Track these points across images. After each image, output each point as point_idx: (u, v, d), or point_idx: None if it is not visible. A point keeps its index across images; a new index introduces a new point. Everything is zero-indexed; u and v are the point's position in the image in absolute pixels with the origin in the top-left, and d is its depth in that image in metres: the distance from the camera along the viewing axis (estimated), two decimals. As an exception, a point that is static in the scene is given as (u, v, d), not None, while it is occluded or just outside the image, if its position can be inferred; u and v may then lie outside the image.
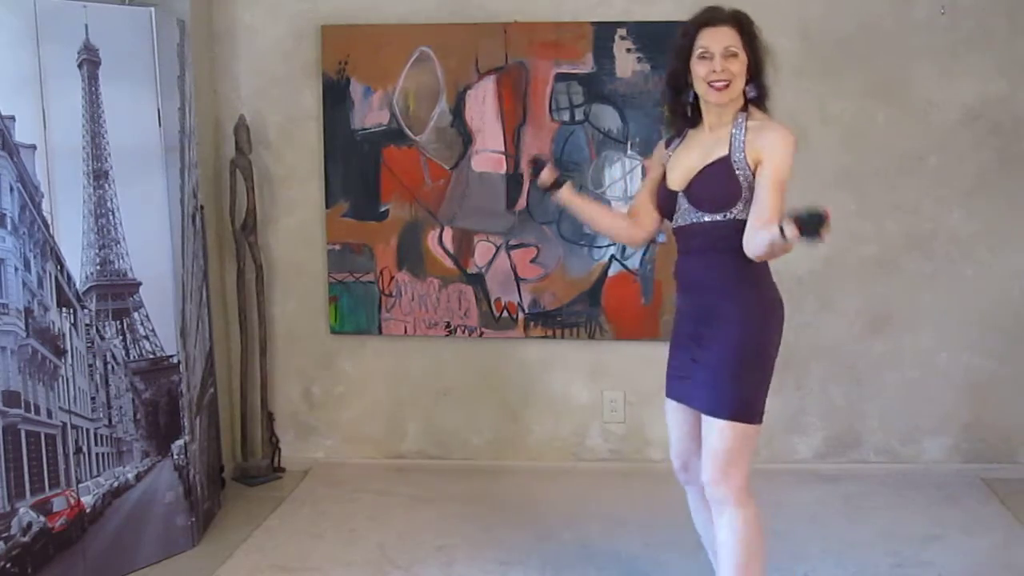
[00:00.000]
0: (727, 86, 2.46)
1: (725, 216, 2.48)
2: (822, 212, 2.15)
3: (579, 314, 4.11)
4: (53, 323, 3.00)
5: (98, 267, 3.17)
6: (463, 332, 4.17)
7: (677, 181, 2.58)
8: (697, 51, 2.48)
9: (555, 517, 3.69)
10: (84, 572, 3.09)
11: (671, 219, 2.64)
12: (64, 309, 3.05)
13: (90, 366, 3.14)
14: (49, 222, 2.99)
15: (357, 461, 4.30)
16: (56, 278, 3.02)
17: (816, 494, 3.90)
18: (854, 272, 4.05)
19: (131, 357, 3.27)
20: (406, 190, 4.12)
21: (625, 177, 4.05)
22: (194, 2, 3.73)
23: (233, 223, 4.12)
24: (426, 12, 4.04)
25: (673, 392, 2.68)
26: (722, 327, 2.50)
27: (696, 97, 2.55)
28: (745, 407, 2.49)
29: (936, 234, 4.02)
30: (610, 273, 4.08)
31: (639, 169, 3.99)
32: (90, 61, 3.09)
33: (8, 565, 2.85)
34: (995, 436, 4.09)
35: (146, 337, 3.31)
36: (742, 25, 2.48)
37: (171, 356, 3.37)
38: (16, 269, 2.87)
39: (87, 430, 3.12)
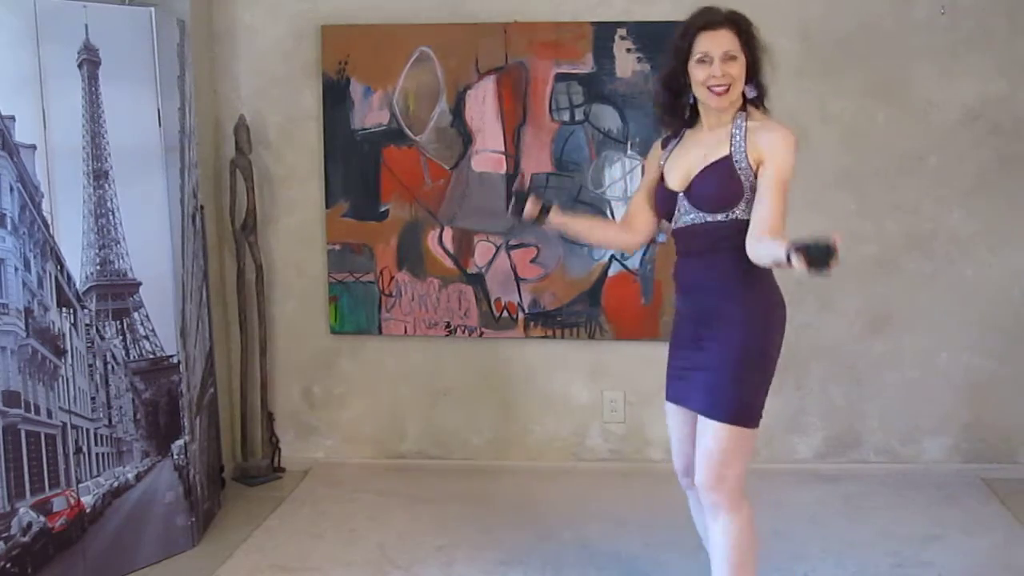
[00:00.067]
0: (727, 91, 2.44)
1: (727, 216, 2.47)
2: (831, 244, 2.08)
3: (579, 314, 4.11)
4: (53, 323, 3.00)
5: (98, 267, 3.17)
6: (463, 332, 4.17)
7: (677, 181, 2.57)
8: (696, 55, 2.45)
9: (555, 517, 3.69)
10: (84, 572, 3.09)
11: (670, 220, 2.62)
12: (64, 309, 3.05)
13: (90, 366, 3.14)
14: (49, 222, 2.99)
15: (357, 461, 4.30)
16: (56, 278, 3.02)
17: (816, 494, 3.90)
18: (854, 272, 4.04)
19: (131, 357, 3.27)
20: (406, 190, 4.12)
21: (625, 177, 4.05)
22: (194, 2, 3.73)
23: (233, 223, 4.12)
24: (426, 12, 4.04)
25: (673, 395, 2.67)
26: (723, 329, 2.48)
27: (695, 98, 2.54)
28: (744, 410, 2.48)
29: (936, 234, 4.02)
30: (610, 273, 4.08)
31: (639, 169, 3.99)
32: (90, 61, 3.09)
33: (8, 565, 2.85)
34: (995, 436, 4.09)
35: (146, 337, 3.31)
36: (740, 27, 2.46)
37: (171, 356, 3.37)
38: (16, 269, 2.87)
39: (87, 430, 3.12)
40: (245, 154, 4.05)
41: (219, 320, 4.09)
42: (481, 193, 4.09)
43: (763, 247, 2.33)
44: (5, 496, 2.85)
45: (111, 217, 3.19)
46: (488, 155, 4.08)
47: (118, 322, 3.23)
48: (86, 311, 3.13)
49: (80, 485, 3.07)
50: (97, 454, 3.15)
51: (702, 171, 2.50)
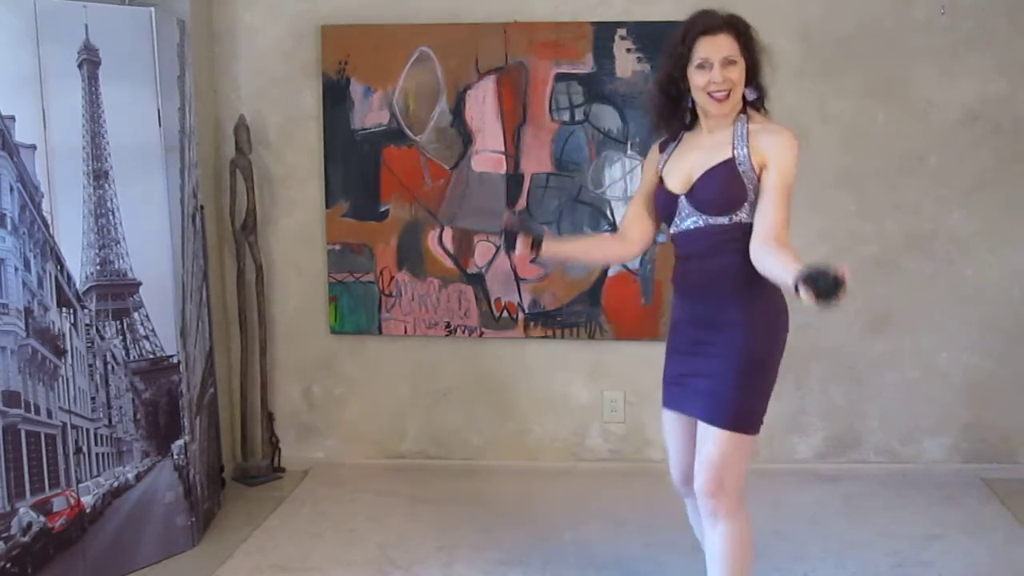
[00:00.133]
0: (728, 97, 2.42)
1: (730, 220, 2.44)
2: (839, 275, 2.07)
3: (579, 314, 4.11)
4: (53, 323, 3.00)
5: (98, 267, 3.17)
6: (463, 332, 4.17)
7: (678, 184, 2.53)
8: (695, 61, 2.42)
9: (555, 517, 3.69)
10: (84, 572, 3.09)
11: (669, 224, 2.58)
12: (64, 309, 3.05)
13: (90, 366, 3.14)
14: (49, 222, 2.99)
15: (357, 461, 4.30)
16: (56, 278, 3.02)
17: (816, 494, 3.90)
18: (854, 272, 3.98)
19: (131, 357, 3.27)
20: (406, 190, 4.12)
21: (625, 177, 4.05)
22: (194, 2, 3.73)
23: (233, 223, 4.12)
24: (426, 12, 4.04)
25: (671, 402, 2.63)
26: (726, 334, 2.45)
27: (693, 101, 2.50)
28: (746, 417, 2.45)
29: (936, 234, 4.02)
30: (610, 273, 4.08)
31: (639, 169, 3.99)
32: (90, 61, 3.09)
33: (8, 565, 2.85)
34: (995, 436, 4.09)
35: (146, 337, 3.31)
36: (739, 30, 2.43)
37: (171, 356, 3.37)
38: (16, 269, 2.87)
39: (87, 430, 3.12)
40: (245, 154, 4.05)
41: (219, 320, 4.09)
42: (481, 193, 4.09)
43: (770, 265, 2.31)
44: (5, 496, 2.85)
45: (111, 217, 3.19)
46: (488, 155, 4.08)
47: (118, 322, 3.23)
48: (86, 311, 3.13)
49: (80, 485, 3.07)
50: (97, 454, 3.15)
51: (704, 174, 2.47)
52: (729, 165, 2.43)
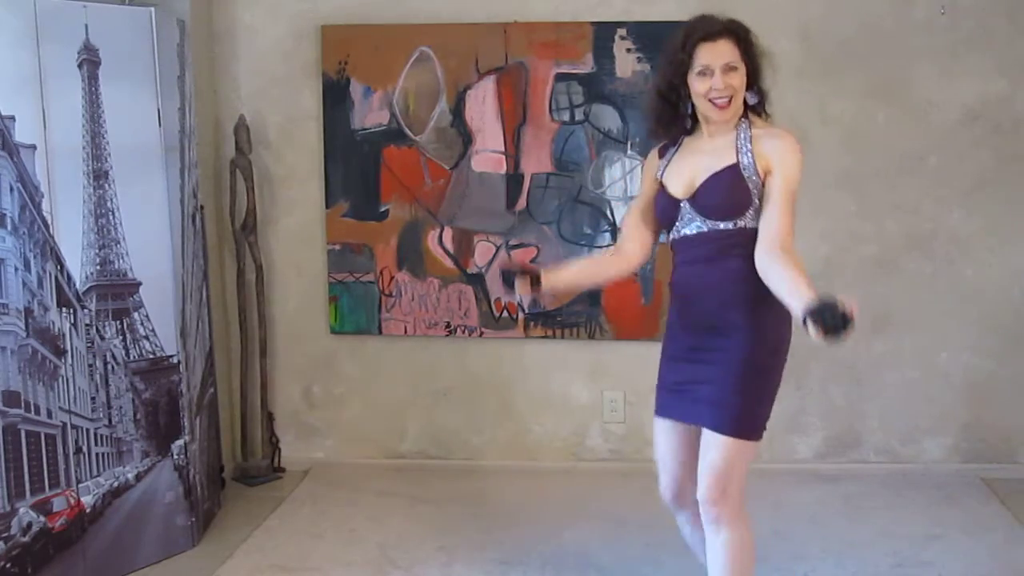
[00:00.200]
0: (729, 103, 2.40)
1: (735, 225, 2.42)
2: (847, 312, 2.08)
3: (579, 314, 4.11)
4: (53, 323, 3.00)
5: (98, 267, 3.17)
6: (463, 332, 4.17)
7: (680, 189, 2.50)
8: (696, 68, 2.40)
9: (555, 517, 3.69)
10: (84, 572, 3.09)
11: (670, 229, 2.55)
12: (64, 309, 3.05)
13: (90, 366, 3.14)
14: (49, 222, 2.99)
15: (357, 461, 4.30)
16: (56, 278, 3.02)
17: (816, 494, 3.90)
18: (854, 272, 4.05)
19: (131, 357, 3.27)
20: (406, 190, 4.12)
21: (625, 177, 4.05)
22: (194, 2, 3.73)
23: (233, 223, 4.12)
24: (426, 12, 4.03)
25: (669, 410, 2.58)
26: (730, 339, 2.42)
27: (693, 107, 2.47)
28: (751, 423, 2.44)
29: (936, 234, 4.02)
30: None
31: (639, 169, 3.99)
32: (90, 61, 3.09)
33: (8, 565, 2.85)
34: (995, 436, 4.09)
35: (146, 337, 3.31)
36: (739, 36, 2.41)
37: (171, 356, 3.37)
38: (16, 269, 2.87)
39: (87, 430, 3.12)
40: (245, 154, 4.05)
41: (219, 320, 4.09)
42: (481, 193, 4.09)
43: (777, 282, 2.29)
44: (5, 496, 2.85)
45: (111, 217, 3.19)
46: (488, 155, 4.08)
47: (118, 322, 3.23)
48: (86, 311, 3.13)
49: (80, 485, 3.07)
50: (97, 454, 3.15)
51: (708, 179, 2.44)
52: (734, 170, 2.41)
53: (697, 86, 2.41)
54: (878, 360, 4.09)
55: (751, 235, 2.40)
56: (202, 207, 3.73)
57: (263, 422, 4.25)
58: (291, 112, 4.16)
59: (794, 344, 2.58)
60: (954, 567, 3.24)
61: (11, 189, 2.86)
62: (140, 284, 3.28)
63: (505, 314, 4.15)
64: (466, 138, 4.08)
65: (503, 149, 4.07)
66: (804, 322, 2.13)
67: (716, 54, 2.39)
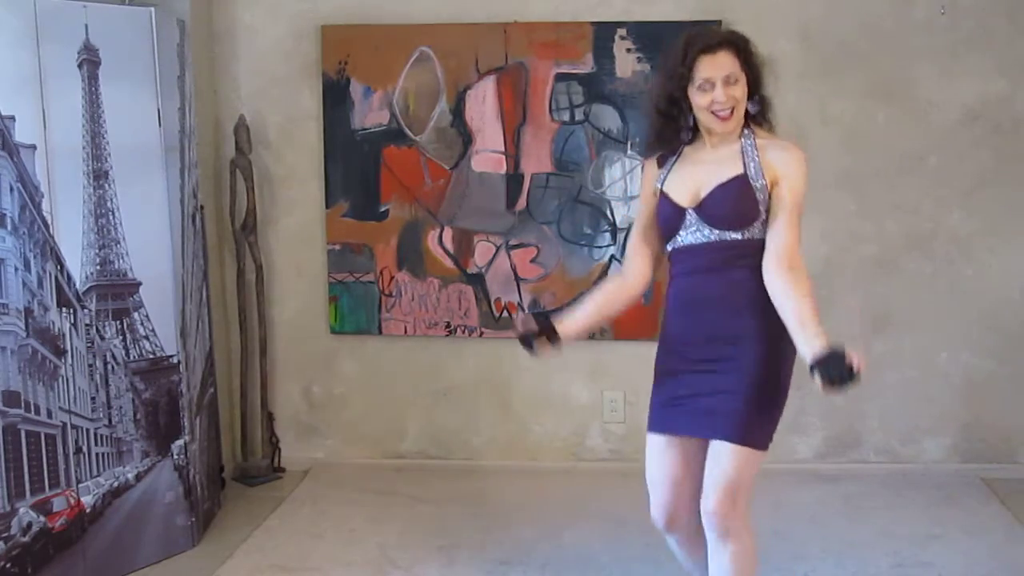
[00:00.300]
0: (731, 114, 2.38)
1: (742, 235, 2.40)
2: (854, 367, 2.13)
3: (579, 314, 4.10)
4: (53, 323, 3.00)
5: (98, 267, 3.17)
6: (463, 332, 4.17)
7: (686, 199, 2.46)
8: (697, 82, 2.37)
9: (555, 517, 3.69)
10: (84, 572, 3.09)
11: (670, 239, 2.51)
12: (64, 309, 3.05)
13: (90, 366, 3.14)
14: (49, 222, 2.99)
15: (357, 461, 4.30)
16: (56, 278, 3.02)
17: (816, 494, 3.90)
18: (854, 272, 4.05)
19: (131, 357, 3.27)
20: (406, 190, 4.12)
21: (625, 177, 4.05)
22: (194, 2, 3.73)
23: (233, 223, 4.12)
24: (426, 12, 4.03)
25: (668, 425, 2.53)
26: (741, 347, 2.41)
27: (694, 118, 2.45)
28: (763, 432, 2.43)
29: (936, 234, 4.02)
30: (610, 273, 4.08)
31: (639, 169, 3.98)
32: (90, 61, 3.09)
33: (8, 565, 2.85)
34: (995, 436, 4.09)
35: (146, 337, 3.31)
36: (738, 47, 2.39)
37: (171, 356, 3.37)
38: (16, 269, 2.87)
39: (87, 430, 3.12)
40: (245, 154, 4.05)
41: (219, 320, 4.09)
42: (481, 193, 4.09)
43: (784, 314, 2.31)
44: (5, 496, 2.85)
45: (111, 217, 3.19)
46: (488, 155, 4.08)
47: (118, 322, 3.23)
48: (86, 311, 3.13)
49: (80, 485, 3.07)
50: (97, 454, 3.15)
51: (716, 189, 2.41)
52: (742, 180, 2.39)
53: (699, 100, 2.39)
54: (878, 360, 4.08)
55: (758, 246, 2.39)
56: (202, 207, 3.73)
57: (263, 422, 4.25)
58: (291, 112, 4.16)
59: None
60: (954, 567, 3.24)
61: (11, 189, 2.86)
62: (140, 284, 3.28)
63: (505, 314, 4.14)
64: (466, 138, 4.08)
65: (503, 149, 4.07)
66: (811, 370, 2.19)
67: (716, 66, 2.36)
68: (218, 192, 4.17)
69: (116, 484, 3.20)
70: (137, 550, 3.26)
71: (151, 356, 3.33)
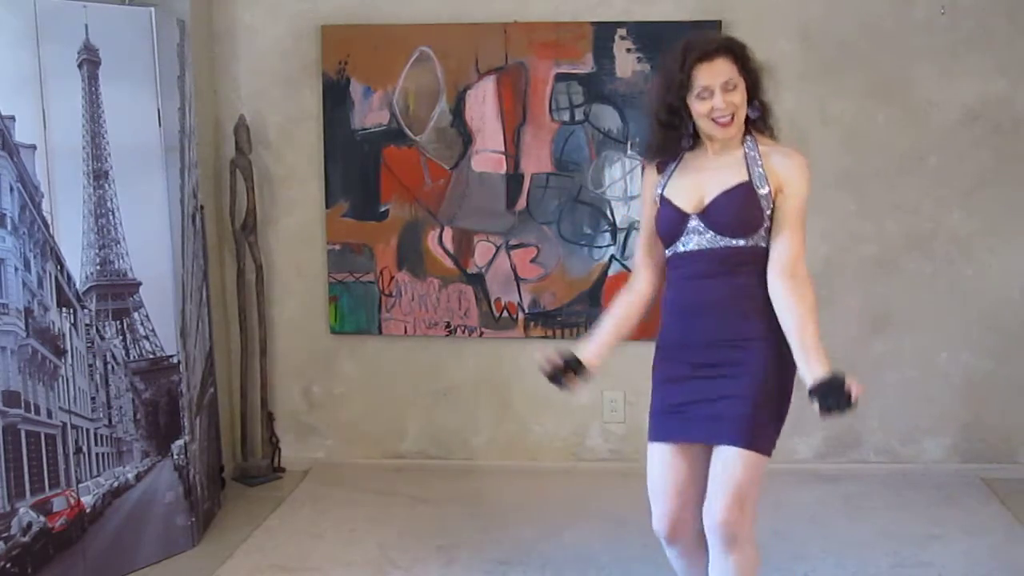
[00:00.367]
0: (732, 121, 2.37)
1: (747, 242, 2.40)
2: (851, 394, 2.18)
3: (579, 314, 4.11)
4: (53, 323, 3.00)
5: (98, 267, 3.17)
6: (463, 332, 4.17)
7: (689, 205, 2.44)
8: (695, 90, 2.35)
9: (555, 517, 3.69)
10: (84, 572, 3.09)
11: (671, 244, 2.49)
12: (64, 309, 3.05)
13: (90, 366, 3.14)
14: (49, 222, 2.99)
15: (357, 461, 4.30)
16: (56, 278, 3.02)
17: (816, 494, 3.90)
18: (854, 272, 4.05)
19: (131, 357, 3.27)
20: (406, 190, 4.12)
21: (625, 177, 4.05)
22: (194, 2, 3.73)
23: (233, 223, 4.12)
24: (426, 12, 4.03)
25: (671, 433, 2.51)
26: (747, 352, 2.40)
27: (694, 125, 2.43)
28: (768, 436, 2.43)
29: (936, 234, 4.02)
30: (610, 273, 4.08)
31: (639, 169, 3.98)
32: (90, 61, 3.09)
33: (8, 565, 2.85)
34: (995, 436, 4.09)
35: (146, 337, 3.31)
36: (736, 53, 2.38)
37: (171, 356, 3.37)
38: (16, 269, 2.87)
39: (87, 430, 3.12)
40: (245, 154, 4.05)
41: (219, 320, 4.09)
42: (481, 193, 4.09)
43: (787, 328, 2.34)
44: (5, 496, 2.85)
45: (111, 217, 3.19)
46: (488, 155, 4.08)
47: (118, 322, 3.23)
48: (86, 311, 3.13)
49: (80, 485, 3.07)
50: (97, 454, 3.15)
51: (719, 196, 2.40)
52: (746, 187, 2.38)
53: (698, 107, 2.37)
54: (878, 360, 4.09)
55: (762, 252, 2.39)
56: (202, 207, 3.73)
57: (263, 422, 4.25)
58: (291, 112, 4.16)
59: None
60: (954, 567, 3.24)
61: (11, 189, 2.86)
62: (140, 284, 3.28)
63: (505, 314, 4.15)
64: (466, 138, 4.08)
65: (503, 149, 4.07)
66: (810, 395, 2.23)
67: (714, 73, 2.35)
68: (218, 192, 4.16)
69: (116, 484, 3.20)
70: (137, 550, 3.26)
71: (151, 356, 3.33)
